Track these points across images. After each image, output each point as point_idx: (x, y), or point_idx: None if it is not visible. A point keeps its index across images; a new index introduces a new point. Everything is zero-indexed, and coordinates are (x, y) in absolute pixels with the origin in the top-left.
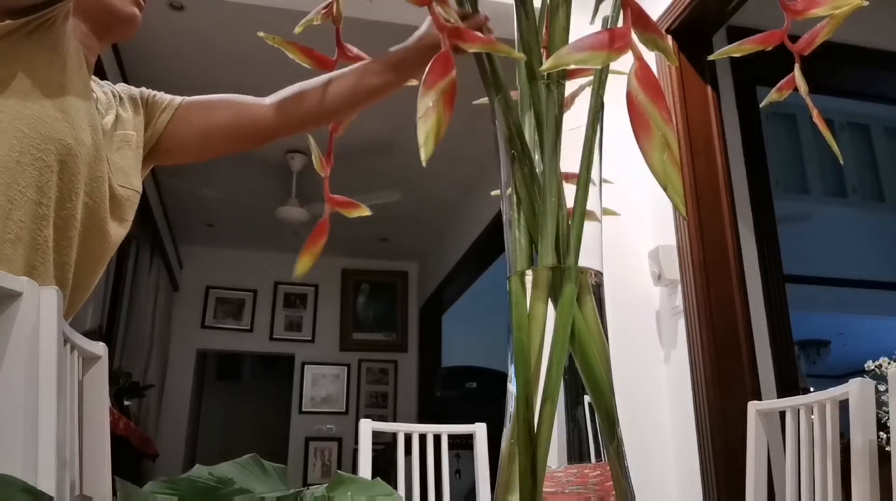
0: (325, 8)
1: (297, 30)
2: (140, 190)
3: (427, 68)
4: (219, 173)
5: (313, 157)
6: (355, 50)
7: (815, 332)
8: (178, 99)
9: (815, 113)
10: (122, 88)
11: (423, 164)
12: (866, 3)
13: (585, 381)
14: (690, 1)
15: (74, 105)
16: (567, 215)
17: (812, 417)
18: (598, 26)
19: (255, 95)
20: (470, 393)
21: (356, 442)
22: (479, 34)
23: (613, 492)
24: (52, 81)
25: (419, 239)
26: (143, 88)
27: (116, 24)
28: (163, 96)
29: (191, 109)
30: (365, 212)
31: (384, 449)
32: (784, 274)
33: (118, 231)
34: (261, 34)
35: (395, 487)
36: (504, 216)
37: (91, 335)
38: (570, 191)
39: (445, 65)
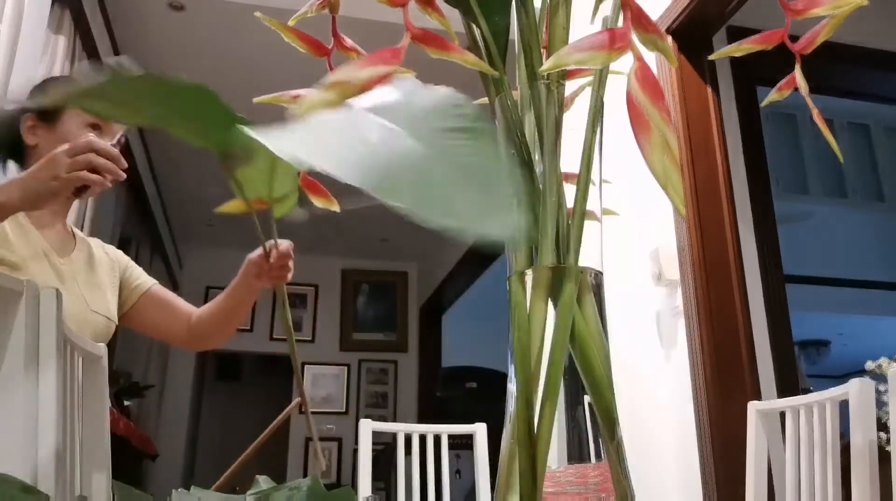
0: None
1: (292, 22)
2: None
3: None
4: (219, 173)
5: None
6: (350, 42)
7: (815, 332)
8: (145, 286)
9: (815, 113)
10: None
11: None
12: (866, 3)
13: (585, 381)
14: (690, 1)
15: None
16: (567, 215)
17: (812, 417)
18: (598, 26)
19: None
20: (470, 393)
21: (356, 442)
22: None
23: (613, 492)
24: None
25: (419, 239)
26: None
27: None
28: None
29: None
30: (333, 207)
31: (384, 449)
32: (784, 274)
33: None
34: (257, 14)
35: (395, 487)
36: None
37: None
38: (570, 191)
39: (393, 56)
